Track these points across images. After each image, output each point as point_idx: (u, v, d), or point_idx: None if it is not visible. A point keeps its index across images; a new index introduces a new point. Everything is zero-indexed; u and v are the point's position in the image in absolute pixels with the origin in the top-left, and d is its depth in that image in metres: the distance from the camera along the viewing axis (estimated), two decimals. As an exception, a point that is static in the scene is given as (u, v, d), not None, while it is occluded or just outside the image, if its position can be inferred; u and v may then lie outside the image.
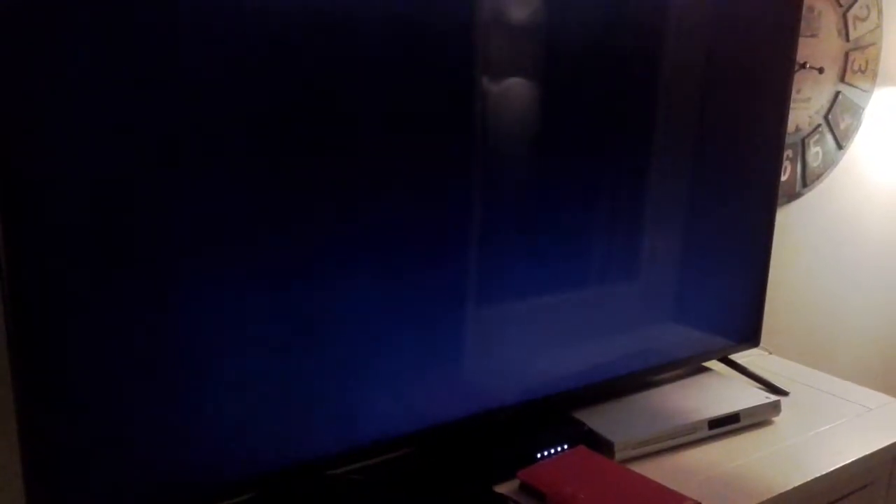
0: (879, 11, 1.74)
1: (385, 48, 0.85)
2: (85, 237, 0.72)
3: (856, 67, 1.73)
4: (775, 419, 1.23)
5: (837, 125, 1.73)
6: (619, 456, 1.07)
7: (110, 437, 0.77)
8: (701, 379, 1.31)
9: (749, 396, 1.23)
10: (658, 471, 1.07)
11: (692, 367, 1.34)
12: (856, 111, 1.77)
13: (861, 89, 1.76)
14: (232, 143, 0.77)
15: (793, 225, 1.74)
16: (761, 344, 1.39)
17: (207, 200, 0.77)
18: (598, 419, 1.13)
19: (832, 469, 1.09)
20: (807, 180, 1.71)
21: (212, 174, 0.77)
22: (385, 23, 0.85)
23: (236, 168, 0.78)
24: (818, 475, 1.07)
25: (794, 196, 1.70)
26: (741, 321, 1.35)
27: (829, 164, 1.75)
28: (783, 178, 1.65)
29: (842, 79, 1.71)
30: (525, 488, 1.00)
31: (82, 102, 0.69)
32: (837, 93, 1.71)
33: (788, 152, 1.64)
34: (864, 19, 1.71)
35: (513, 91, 0.97)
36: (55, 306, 0.71)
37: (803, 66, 1.62)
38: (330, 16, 0.81)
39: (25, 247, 0.69)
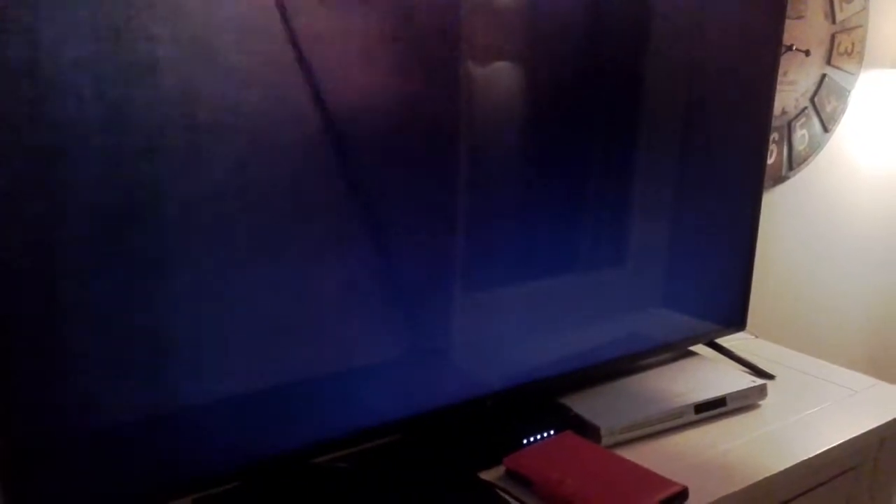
0: (866, -7, 1.73)
1: (374, 33, 0.84)
2: (58, 219, 0.70)
3: (842, 50, 1.73)
4: (762, 403, 1.23)
5: (823, 108, 1.73)
6: (605, 441, 1.07)
7: (89, 426, 0.76)
8: (687, 363, 1.31)
9: (735, 380, 1.23)
10: (645, 455, 1.06)
11: (678, 351, 1.34)
12: (842, 94, 1.77)
13: (847, 72, 1.76)
14: (223, 130, 0.76)
15: (779, 208, 1.74)
16: (747, 328, 1.39)
17: (190, 184, 0.76)
18: (585, 404, 1.13)
19: (818, 452, 1.09)
20: (793, 163, 1.71)
21: (199, 161, 0.76)
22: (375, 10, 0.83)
23: (223, 152, 0.77)
24: (804, 458, 1.07)
25: (780, 179, 1.70)
26: (727, 305, 1.35)
27: (815, 147, 1.75)
28: (769, 161, 1.64)
29: (828, 61, 1.71)
30: (511, 474, 0.99)
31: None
32: (823, 75, 1.71)
33: (774, 135, 1.64)
34: (850, 1, 1.70)
35: (499, 75, 0.95)
36: (28, 288, 0.70)
37: (789, 48, 1.61)
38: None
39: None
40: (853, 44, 1.75)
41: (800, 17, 1.61)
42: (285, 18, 0.78)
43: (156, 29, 0.71)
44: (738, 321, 1.37)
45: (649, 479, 0.96)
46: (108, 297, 0.74)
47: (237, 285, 0.81)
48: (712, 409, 1.17)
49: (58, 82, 0.67)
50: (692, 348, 1.36)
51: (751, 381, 1.23)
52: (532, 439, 1.06)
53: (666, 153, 1.17)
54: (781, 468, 1.04)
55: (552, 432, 1.08)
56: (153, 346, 0.78)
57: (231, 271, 0.81)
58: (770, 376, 1.32)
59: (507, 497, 0.95)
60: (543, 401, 1.13)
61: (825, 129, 1.76)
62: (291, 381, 0.88)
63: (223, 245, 0.80)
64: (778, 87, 1.58)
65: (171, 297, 0.78)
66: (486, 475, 1.00)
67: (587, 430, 1.08)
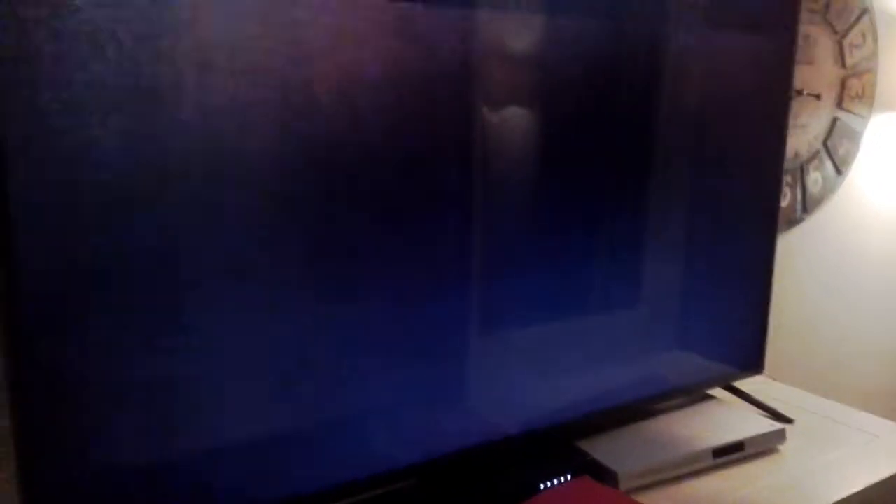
0: (875, 38, 1.75)
1: (385, 82, 0.86)
2: (84, 241, 0.72)
3: (853, 93, 1.74)
4: (781, 447, 1.22)
5: (836, 151, 1.74)
6: (623, 486, 1.06)
7: (96, 470, 0.76)
8: (705, 407, 1.30)
9: (754, 424, 1.22)
10: (663, 501, 1.05)
11: (696, 394, 1.33)
12: (854, 137, 1.78)
13: (859, 115, 1.77)
14: (239, 174, 0.78)
15: (794, 250, 1.74)
16: (765, 370, 1.38)
17: (211, 228, 0.77)
18: (602, 449, 1.12)
19: (840, 498, 1.07)
20: (807, 206, 1.71)
21: (209, 210, 0.77)
22: (385, 57, 0.85)
23: (233, 200, 0.79)
24: (825, 504, 1.06)
25: (794, 222, 1.70)
26: (744, 348, 1.34)
27: (828, 190, 1.75)
28: (783, 204, 1.65)
29: (839, 105, 1.72)
30: (528, 520, 0.98)
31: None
32: (835, 119, 1.72)
33: (788, 178, 1.65)
34: (859, 46, 1.72)
35: (513, 121, 0.97)
36: (57, 324, 0.71)
37: (800, 92, 1.62)
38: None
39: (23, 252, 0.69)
40: (864, 87, 1.76)
41: (810, 63, 1.63)
42: (295, 56, 0.80)
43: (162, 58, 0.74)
44: (755, 364, 1.36)
45: (668, 525, 0.95)
46: (118, 343, 0.75)
47: (252, 331, 0.82)
48: (730, 453, 1.16)
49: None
50: (709, 392, 1.35)
51: (769, 425, 1.22)
52: (549, 484, 1.05)
53: (681, 196, 1.18)
54: (802, 514, 1.03)
55: (569, 477, 1.07)
56: (164, 391, 0.78)
57: (243, 316, 0.82)
58: (789, 420, 1.31)
59: (524, 543, 0.94)
60: (560, 445, 1.13)
61: (838, 172, 1.76)
62: (306, 426, 0.88)
63: (237, 291, 0.81)
64: (790, 130, 1.60)
65: (184, 343, 0.79)
66: (503, 521, 1.00)
67: (604, 475, 1.07)
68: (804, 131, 1.66)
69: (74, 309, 0.72)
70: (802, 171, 1.68)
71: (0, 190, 0.66)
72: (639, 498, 1.05)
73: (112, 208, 0.72)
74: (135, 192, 0.73)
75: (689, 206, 1.20)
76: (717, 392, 1.36)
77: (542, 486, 1.05)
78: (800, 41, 1.56)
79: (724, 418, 1.25)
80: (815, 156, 1.70)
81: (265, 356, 0.84)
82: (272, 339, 0.84)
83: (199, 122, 0.75)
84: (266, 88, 0.78)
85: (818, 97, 1.66)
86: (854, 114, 1.76)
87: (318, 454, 0.90)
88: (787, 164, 1.62)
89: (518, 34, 0.95)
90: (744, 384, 1.38)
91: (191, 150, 0.75)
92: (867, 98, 1.78)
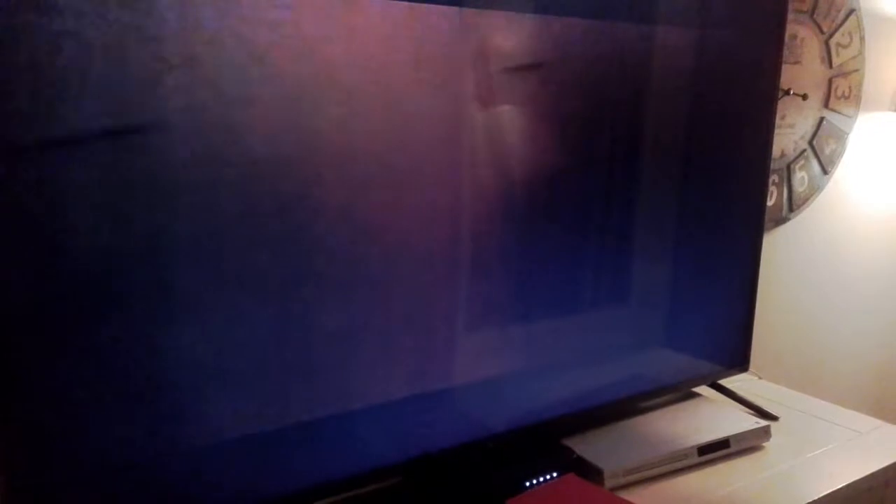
0: (861, 38, 1.76)
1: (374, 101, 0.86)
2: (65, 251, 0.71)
3: (839, 93, 1.75)
4: (766, 444, 1.23)
5: (822, 150, 1.75)
6: (608, 483, 1.07)
7: (81, 470, 0.76)
8: (690, 404, 1.31)
9: (739, 422, 1.23)
10: (648, 498, 1.06)
11: (682, 392, 1.34)
12: (840, 136, 1.79)
13: (845, 115, 1.78)
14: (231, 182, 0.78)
15: (780, 249, 1.75)
16: (750, 368, 1.39)
17: (194, 226, 0.77)
18: (588, 446, 1.13)
19: (823, 494, 1.08)
20: (793, 205, 1.72)
21: (204, 203, 0.77)
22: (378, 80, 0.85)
23: (230, 199, 0.78)
24: (809, 500, 1.06)
25: (780, 221, 1.71)
26: (730, 346, 1.35)
27: (814, 189, 1.76)
28: (769, 202, 1.66)
29: (826, 105, 1.73)
30: (514, 517, 0.99)
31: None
32: (822, 118, 1.73)
33: (774, 177, 1.66)
34: (846, 46, 1.73)
35: (502, 120, 0.97)
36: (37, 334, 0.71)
37: (787, 92, 1.63)
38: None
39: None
40: (850, 87, 1.77)
41: (797, 62, 1.64)
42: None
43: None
44: (740, 362, 1.37)
45: (653, 522, 0.96)
46: (109, 343, 0.75)
47: (238, 329, 0.82)
48: (716, 450, 1.17)
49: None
50: (695, 389, 1.36)
51: (754, 422, 1.23)
52: (535, 482, 1.06)
53: (667, 196, 1.18)
54: (786, 511, 1.04)
55: (555, 475, 1.07)
56: (151, 390, 0.78)
57: (231, 315, 0.82)
58: (774, 417, 1.32)
59: (509, 540, 0.95)
60: (546, 443, 1.13)
61: (824, 171, 1.77)
62: (291, 424, 0.88)
63: (226, 291, 0.81)
64: (777, 130, 1.60)
65: (170, 341, 0.78)
66: (489, 518, 1.00)
67: (590, 473, 1.08)
68: (791, 131, 1.67)
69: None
70: (789, 170, 1.69)
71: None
72: (625, 495, 1.05)
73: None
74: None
75: (676, 205, 1.20)
76: (702, 390, 1.36)
77: (528, 484, 1.05)
78: (787, 41, 1.57)
79: (709, 416, 1.25)
80: (801, 155, 1.70)
81: (248, 356, 0.83)
82: (255, 339, 0.84)
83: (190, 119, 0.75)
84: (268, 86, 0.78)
85: (805, 97, 1.67)
86: (840, 113, 1.77)
87: (302, 452, 0.89)
88: (773, 164, 1.63)
89: (504, 36, 0.95)
90: (729, 382, 1.39)
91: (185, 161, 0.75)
92: (854, 98, 1.79)
